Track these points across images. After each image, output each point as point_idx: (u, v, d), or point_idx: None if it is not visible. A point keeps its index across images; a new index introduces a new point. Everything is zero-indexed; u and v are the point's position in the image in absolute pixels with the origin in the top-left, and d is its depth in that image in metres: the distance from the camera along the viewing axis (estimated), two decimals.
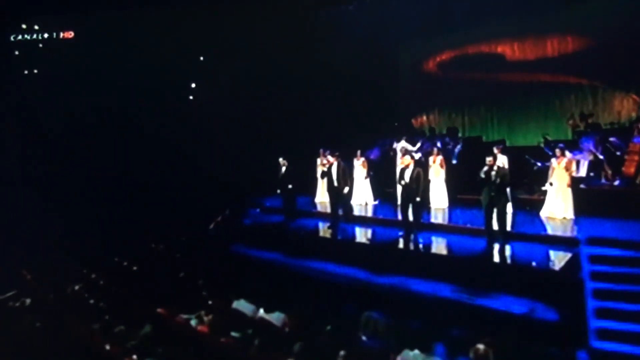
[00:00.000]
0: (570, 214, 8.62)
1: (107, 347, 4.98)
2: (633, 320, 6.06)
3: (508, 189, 9.14)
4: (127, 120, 12.22)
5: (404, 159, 8.39)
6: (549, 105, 13.90)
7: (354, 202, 11.12)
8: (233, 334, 5.22)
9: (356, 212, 10.39)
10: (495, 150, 9.41)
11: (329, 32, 14.33)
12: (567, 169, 8.66)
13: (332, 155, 9.29)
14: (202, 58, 12.81)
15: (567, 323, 5.84)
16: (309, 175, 11.47)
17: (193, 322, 5.59)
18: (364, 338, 4.97)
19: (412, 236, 8.14)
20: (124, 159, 12.29)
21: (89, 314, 6.26)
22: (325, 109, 13.84)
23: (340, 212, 9.44)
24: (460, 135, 14.09)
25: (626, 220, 7.87)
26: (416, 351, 4.51)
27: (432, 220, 9.19)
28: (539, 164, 10.11)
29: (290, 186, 10.14)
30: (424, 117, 16.07)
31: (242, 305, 5.93)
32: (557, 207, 8.73)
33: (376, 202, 11.19)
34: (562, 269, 6.46)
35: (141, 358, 4.85)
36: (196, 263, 7.86)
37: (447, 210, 10.03)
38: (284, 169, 10.31)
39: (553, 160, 8.83)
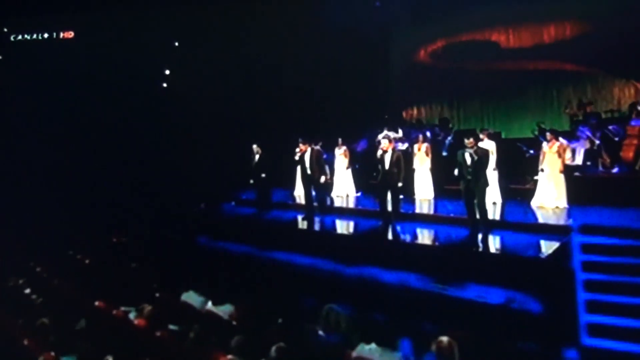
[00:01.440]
0: (562, 202, 8.07)
1: (25, 342, 4.56)
2: (629, 315, 5.54)
3: (495, 173, 8.72)
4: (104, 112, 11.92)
5: (383, 142, 7.87)
6: (547, 95, 13.43)
7: (334, 193, 10.63)
8: (172, 327, 4.80)
9: (336, 203, 9.87)
10: (482, 135, 8.98)
11: (315, 18, 13.89)
12: (560, 154, 8.12)
13: (304, 143, 8.77)
14: (176, 44, 12.37)
15: (553, 316, 5.31)
16: (288, 167, 10.98)
17: (132, 315, 5.19)
18: (320, 332, 4.60)
19: (389, 227, 7.60)
20: (92, 150, 11.85)
21: (23, 309, 5.86)
22: (311, 99, 13.40)
23: (316, 203, 8.93)
24: (451, 127, 13.59)
25: (624, 209, 7.35)
26: (373, 345, 4.09)
27: (414, 210, 8.66)
28: (531, 151, 9.61)
29: (263, 175, 9.62)
30: (415, 110, 15.57)
31: (191, 297, 5.58)
32: (549, 196, 8.17)
33: (358, 194, 10.66)
34: (549, 257, 5.93)
35: (62, 353, 4.43)
36: (153, 255, 7.39)
37: (432, 202, 9.48)
38: (257, 157, 9.81)
39: (544, 144, 8.31)
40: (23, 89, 12.21)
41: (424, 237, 7.43)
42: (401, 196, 8.23)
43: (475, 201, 6.82)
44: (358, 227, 8.23)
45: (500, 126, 14.00)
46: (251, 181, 9.82)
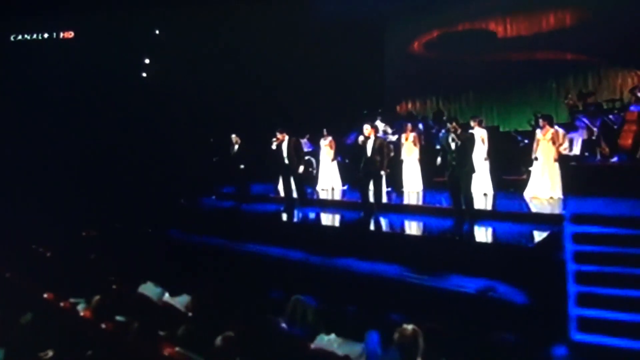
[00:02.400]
0: (557, 193, 7.75)
1: None
2: (623, 309, 5.22)
3: (487, 163, 8.43)
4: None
5: (365, 128, 7.58)
6: (546, 86, 13.10)
7: (319, 186, 10.34)
8: (118, 318, 4.53)
9: (321, 197, 9.58)
10: (472, 123, 8.70)
11: (305, 7, 13.66)
12: (554, 141, 7.81)
13: (282, 132, 8.48)
14: (157, 31, 12.12)
15: (539, 309, 4.99)
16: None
17: (80, 307, 4.93)
18: (282, 325, 4.37)
19: (370, 218, 7.30)
20: (69, 143, 11.62)
21: None
22: (301, 91, 13.14)
23: (295, 195, 8.63)
24: (445, 119, 13.28)
25: (622, 199, 7.03)
26: (332, 335, 3.83)
27: (398, 201, 8.37)
28: (525, 141, 9.31)
29: (242, 166, 9.33)
30: (410, 103, 15.27)
31: (148, 288, 5.33)
32: (543, 186, 7.86)
33: (344, 188, 10.35)
34: (536, 247, 5.62)
35: None
36: (118, 248, 7.12)
37: (421, 194, 9.16)
38: (236, 147, 9.52)
39: (537, 131, 8.01)
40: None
41: (405, 228, 7.12)
42: (388, 188, 7.96)
43: (461, 190, 6.50)
44: (336, 219, 7.96)
45: (498, 120, 13.76)
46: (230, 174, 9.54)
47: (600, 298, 5.36)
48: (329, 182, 10.33)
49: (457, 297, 4.80)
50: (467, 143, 6.49)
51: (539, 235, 5.95)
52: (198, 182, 10.85)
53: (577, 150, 9.34)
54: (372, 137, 7.52)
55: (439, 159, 6.79)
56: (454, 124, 6.56)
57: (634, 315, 5.12)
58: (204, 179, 11.00)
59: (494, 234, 6.24)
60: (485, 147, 8.56)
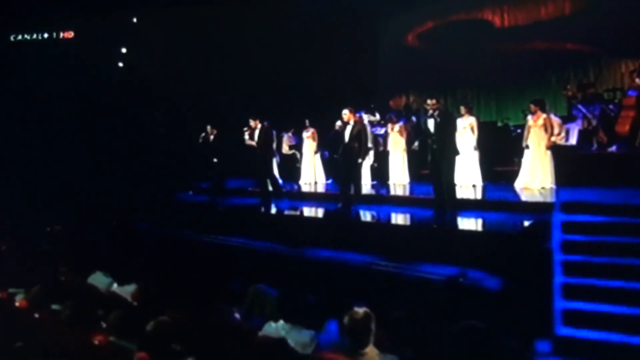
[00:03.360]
0: (549, 182, 7.50)
1: None
2: (613, 301, 4.96)
3: (476, 153, 8.20)
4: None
5: (343, 113, 7.34)
6: (545, 77, 12.87)
7: (302, 181, 10.12)
8: (54, 307, 4.33)
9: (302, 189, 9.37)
10: (462, 110, 8.50)
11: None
12: (546, 127, 7.58)
13: (255, 119, 8.28)
14: (135, 20, 11.97)
15: (522, 300, 4.73)
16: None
17: (18, 297, 4.74)
18: (236, 315, 4.23)
19: (346, 209, 7.05)
20: (43, 137, 11.48)
21: None
22: (292, 86, 12.97)
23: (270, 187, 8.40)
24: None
25: (617, 189, 6.78)
26: (280, 322, 3.63)
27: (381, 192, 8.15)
28: (518, 130, 9.07)
29: (215, 160, 9.10)
30: (404, 97, 15.05)
31: (97, 278, 5.17)
32: (534, 176, 7.61)
33: (328, 182, 10.11)
34: (520, 235, 5.37)
35: None
36: (75, 240, 6.92)
37: (407, 187, 8.91)
38: (211, 138, 9.31)
39: (528, 117, 7.77)
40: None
41: (381, 218, 6.86)
42: (373, 182, 7.64)
43: (442, 176, 6.24)
44: (310, 211, 7.72)
45: (495, 114, 13.55)
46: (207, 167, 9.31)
47: (588, 290, 5.11)
48: (312, 176, 10.10)
49: (425, 284, 4.54)
50: (447, 123, 6.20)
51: (523, 224, 5.70)
52: (175, 176, 10.64)
53: (573, 140, 9.10)
54: (352, 123, 7.28)
55: (416, 143, 6.51)
56: (433, 101, 6.28)
57: (623, 307, 4.88)
58: (180, 173, 10.79)
59: (475, 223, 6.00)
60: (475, 136, 8.34)
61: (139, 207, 8.98)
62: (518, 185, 7.81)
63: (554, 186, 7.47)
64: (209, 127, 9.38)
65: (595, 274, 5.24)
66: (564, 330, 4.86)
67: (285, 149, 11.29)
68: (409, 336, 3.55)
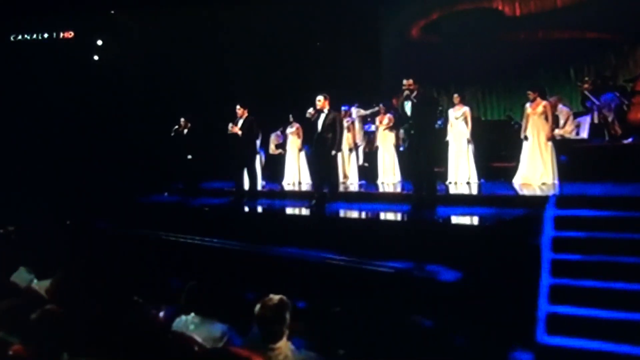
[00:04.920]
0: (550, 177, 7.05)
1: None
2: (611, 306, 4.52)
3: (471, 147, 7.84)
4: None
5: (317, 100, 7.04)
6: (561, 71, 12.41)
7: (285, 181, 9.83)
8: None
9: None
10: (456, 99, 8.16)
11: None
12: (546, 116, 7.15)
13: (242, 108, 8.06)
14: (112, 11, 11.95)
15: (499, 304, 4.35)
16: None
17: None
18: (161, 313, 4.05)
19: (319, 206, 6.73)
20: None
21: None
22: (293, 86, 12.80)
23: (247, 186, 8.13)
24: (441, 109, 12.68)
25: (625, 184, 6.34)
26: (191, 314, 3.43)
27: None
28: (521, 123, 8.64)
29: (189, 157, 8.89)
30: None
31: (19, 275, 5.00)
32: (534, 170, 7.13)
33: None
34: (502, 230, 4.98)
35: None
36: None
37: (398, 186, 8.54)
38: (185, 131, 9.10)
39: (527, 105, 7.36)
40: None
41: (350, 214, 6.52)
42: (361, 181, 7.27)
43: (420, 166, 5.87)
44: (277, 207, 7.42)
45: (507, 111, 13.11)
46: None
47: (580, 292, 4.68)
48: (296, 175, 9.77)
49: (375, 277, 4.19)
50: (426, 105, 5.84)
51: (505, 218, 5.31)
52: (148, 176, 10.47)
53: (584, 134, 8.66)
54: (325, 111, 6.99)
55: (401, 131, 6.19)
56: (409, 80, 5.93)
57: (619, 313, 4.44)
58: (155, 174, 10.62)
59: (453, 218, 5.61)
60: (469, 127, 7.97)
61: (101, 207, 8.83)
62: (517, 180, 7.37)
63: (556, 182, 7.03)
64: (182, 120, 9.17)
65: (591, 275, 4.82)
66: (548, 339, 4.45)
67: (272, 148, 11.07)
68: (344, 332, 3.27)
